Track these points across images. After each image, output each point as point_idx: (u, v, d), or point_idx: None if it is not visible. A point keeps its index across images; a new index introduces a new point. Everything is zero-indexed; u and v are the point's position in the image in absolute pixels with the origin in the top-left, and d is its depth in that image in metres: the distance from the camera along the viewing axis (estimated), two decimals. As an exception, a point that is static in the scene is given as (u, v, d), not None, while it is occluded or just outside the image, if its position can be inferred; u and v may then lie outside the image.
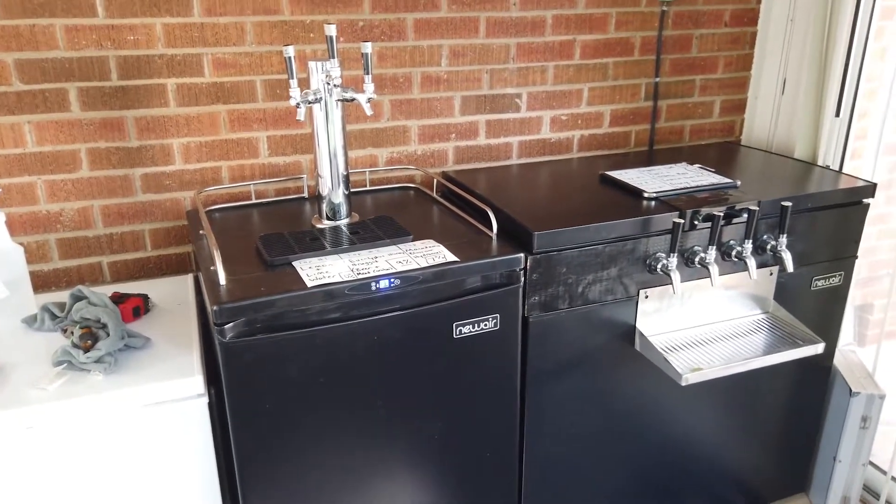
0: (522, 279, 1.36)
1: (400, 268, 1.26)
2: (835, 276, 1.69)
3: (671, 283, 1.46)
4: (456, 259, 1.30)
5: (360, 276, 1.23)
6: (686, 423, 1.68)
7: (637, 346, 1.53)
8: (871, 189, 1.64)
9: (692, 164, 1.78)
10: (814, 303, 1.70)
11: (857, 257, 1.70)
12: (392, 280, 1.24)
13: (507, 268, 1.34)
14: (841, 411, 1.80)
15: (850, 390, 1.76)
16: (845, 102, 1.85)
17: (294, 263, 1.29)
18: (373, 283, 1.23)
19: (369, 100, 1.37)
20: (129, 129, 1.54)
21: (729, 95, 2.13)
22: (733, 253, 1.52)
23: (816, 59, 1.86)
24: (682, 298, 1.54)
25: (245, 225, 1.53)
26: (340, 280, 1.21)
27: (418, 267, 1.27)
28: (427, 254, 1.32)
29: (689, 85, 2.07)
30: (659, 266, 1.47)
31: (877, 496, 1.89)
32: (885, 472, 1.88)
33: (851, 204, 1.64)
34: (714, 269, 1.46)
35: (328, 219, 1.49)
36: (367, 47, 1.33)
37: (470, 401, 1.40)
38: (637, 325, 1.52)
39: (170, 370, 1.21)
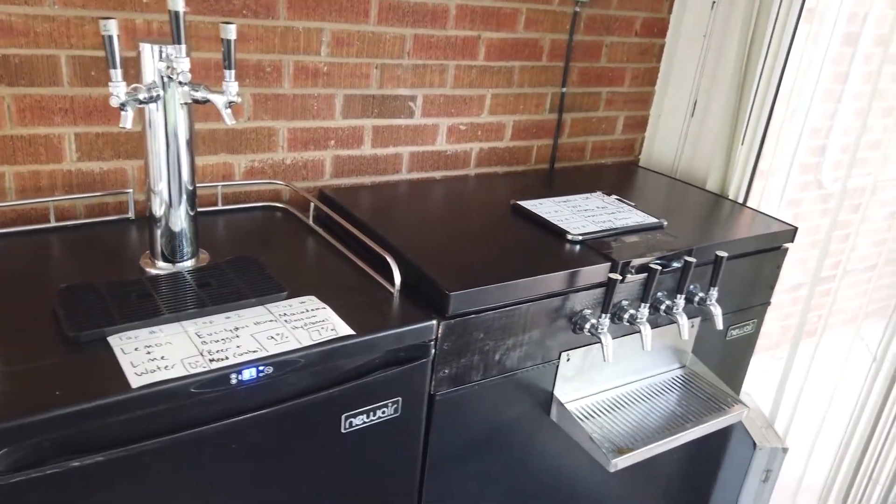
0: (432, 351, 1.06)
1: (273, 348, 0.90)
2: (748, 325, 1.56)
3: (601, 346, 1.23)
4: (351, 332, 0.96)
5: (214, 366, 0.85)
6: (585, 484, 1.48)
7: (553, 417, 1.29)
8: (791, 234, 1.52)
9: (609, 194, 1.56)
10: (727, 352, 1.56)
11: (769, 303, 1.58)
12: (261, 368, 0.88)
13: (416, 339, 1.03)
14: (741, 464, 1.70)
15: (754, 444, 1.65)
16: (750, 131, 1.73)
17: (111, 340, 0.88)
18: (233, 375, 0.86)
19: (230, 104, 0.98)
20: None
21: (632, 112, 1.95)
22: (662, 307, 1.32)
23: (735, 84, 1.71)
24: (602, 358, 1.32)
25: (38, 264, 1.07)
26: (184, 374, 0.83)
27: (300, 346, 0.91)
28: (310, 322, 0.97)
29: (594, 97, 1.86)
30: (587, 326, 1.23)
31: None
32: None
33: (771, 249, 1.51)
34: (646, 330, 1.25)
35: (165, 260, 1.08)
36: (230, 31, 0.94)
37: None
38: (555, 392, 1.28)
39: None
